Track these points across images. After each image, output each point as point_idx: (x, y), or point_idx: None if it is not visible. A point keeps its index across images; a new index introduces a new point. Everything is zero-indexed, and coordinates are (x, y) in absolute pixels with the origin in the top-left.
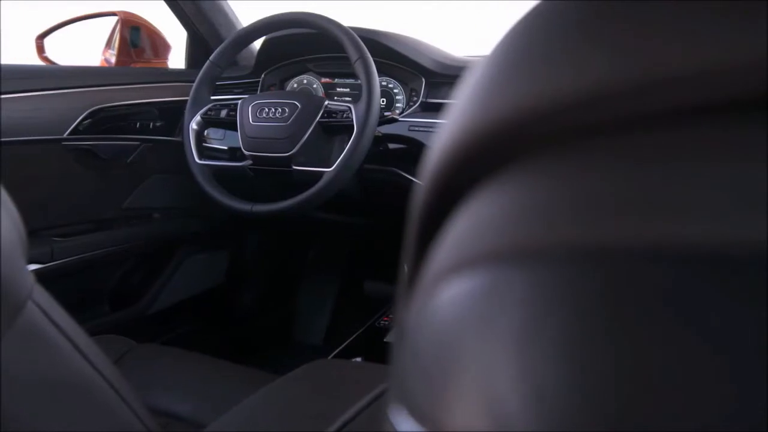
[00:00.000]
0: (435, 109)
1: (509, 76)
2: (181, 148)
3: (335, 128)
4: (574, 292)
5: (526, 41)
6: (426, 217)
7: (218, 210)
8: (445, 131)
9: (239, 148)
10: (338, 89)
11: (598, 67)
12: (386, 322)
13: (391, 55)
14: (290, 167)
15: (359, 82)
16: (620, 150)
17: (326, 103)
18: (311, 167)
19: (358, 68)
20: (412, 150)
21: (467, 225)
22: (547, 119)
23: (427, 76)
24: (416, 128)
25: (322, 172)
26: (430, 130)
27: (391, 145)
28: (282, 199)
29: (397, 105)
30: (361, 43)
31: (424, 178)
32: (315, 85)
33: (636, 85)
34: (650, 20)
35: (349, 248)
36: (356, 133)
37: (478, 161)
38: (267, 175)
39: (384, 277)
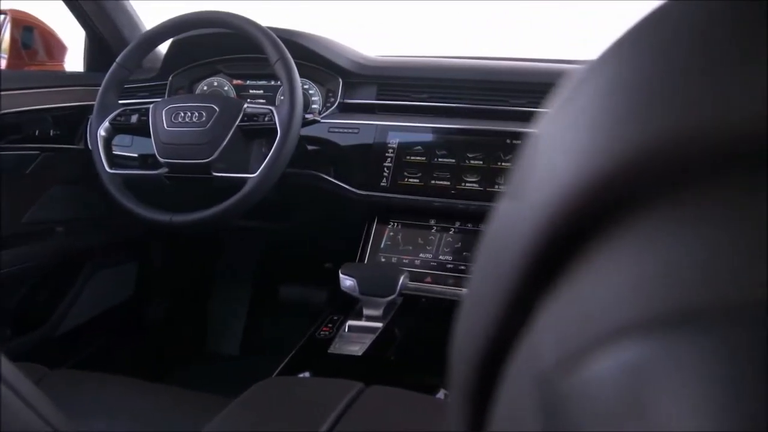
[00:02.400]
0: (353, 110)
1: (667, 93)
2: (84, 156)
3: (256, 132)
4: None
5: (682, 50)
6: (533, 269)
7: (125, 221)
8: (558, 162)
9: (151, 155)
10: (251, 91)
11: None
12: (326, 333)
13: (306, 55)
14: (210, 174)
15: (273, 83)
16: None
17: (245, 106)
18: (233, 173)
19: (279, 70)
20: (332, 152)
21: (615, 285)
22: (722, 149)
23: (344, 77)
24: (336, 130)
25: (246, 179)
26: (350, 131)
27: (310, 147)
28: (201, 207)
29: (313, 106)
30: (281, 44)
31: (524, 221)
32: (226, 87)
33: None
34: None
35: (261, 253)
36: (280, 136)
37: (617, 203)
38: (185, 183)
39: (299, 281)
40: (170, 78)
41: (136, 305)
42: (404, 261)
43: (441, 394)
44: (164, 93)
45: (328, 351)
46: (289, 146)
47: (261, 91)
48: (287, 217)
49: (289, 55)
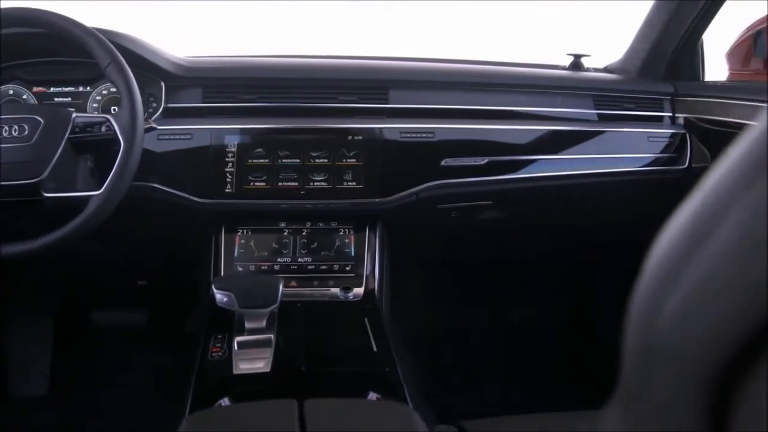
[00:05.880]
0: (179, 115)
1: None
2: None
3: (88, 145)
4: None
5: None
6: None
7: None
8: None
9: None
10: (56, 99)
11: None
12: (219, 354)
13: (124, 57)
14: (40, 195)
15: (82, 89)
16: None
17: (74, 115)
18: (69, 192)
19: (112, 73)
20: (164, 160)
21: None
22: None
23: (166, 80)
24: (166, 137)
25: (88, 197)
26: (182, 137)
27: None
28: (29, 234)
29: None
30: (111, 45)
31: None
32: (25, 96)
33: None
34: None
35: (64, 279)
36: (124, 147)
37: None
38: (6, 208)
39: (111, 304)
40: None
41: None
42: (263, 268)
43: (372, 396)
44: None
45: (234, 373)
46: (135, 156)
47: (68, 99)
48: (107, 236)
49: (121, 57)
